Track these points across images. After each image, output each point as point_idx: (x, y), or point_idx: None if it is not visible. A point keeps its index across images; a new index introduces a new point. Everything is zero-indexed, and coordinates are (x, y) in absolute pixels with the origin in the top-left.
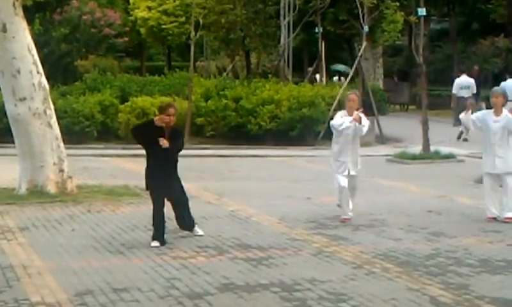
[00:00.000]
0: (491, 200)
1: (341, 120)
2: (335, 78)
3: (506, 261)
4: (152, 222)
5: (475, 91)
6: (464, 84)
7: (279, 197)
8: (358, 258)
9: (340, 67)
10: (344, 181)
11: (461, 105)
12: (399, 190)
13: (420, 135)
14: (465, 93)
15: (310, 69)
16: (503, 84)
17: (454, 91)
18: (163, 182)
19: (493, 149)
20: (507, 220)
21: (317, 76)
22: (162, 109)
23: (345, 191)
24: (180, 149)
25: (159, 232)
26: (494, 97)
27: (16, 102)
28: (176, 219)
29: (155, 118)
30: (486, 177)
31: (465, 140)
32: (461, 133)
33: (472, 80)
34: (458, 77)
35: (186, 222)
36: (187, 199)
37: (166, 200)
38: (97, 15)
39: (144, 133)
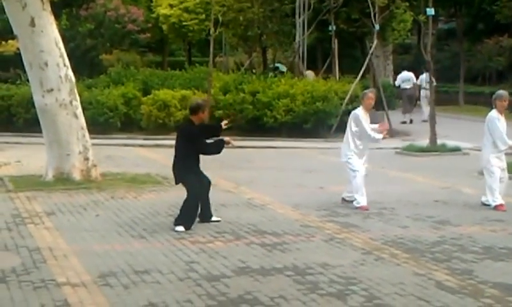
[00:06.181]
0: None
1: (374, 132)
2: (271, 74)
3: (508, 249)
4: (182, 208)
5: (415, 81)
6: (405, 77)
7: (293, 187)
8: (368, 244)
9: (279, 66)
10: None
11: (405, 94)
12: (406, 181)
13: (427, 129)
14: (407, 85)
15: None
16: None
17: (397, 84)
18: (200, 173)
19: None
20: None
21: (307, 72)
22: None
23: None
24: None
25: (188, 218)
26: (503, 100)
27: (43, 93)
28: (202, 209)
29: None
30: (497, 170)
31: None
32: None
33: (411, 74)
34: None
35: (207, 214)
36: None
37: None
38: (121, 11)
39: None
